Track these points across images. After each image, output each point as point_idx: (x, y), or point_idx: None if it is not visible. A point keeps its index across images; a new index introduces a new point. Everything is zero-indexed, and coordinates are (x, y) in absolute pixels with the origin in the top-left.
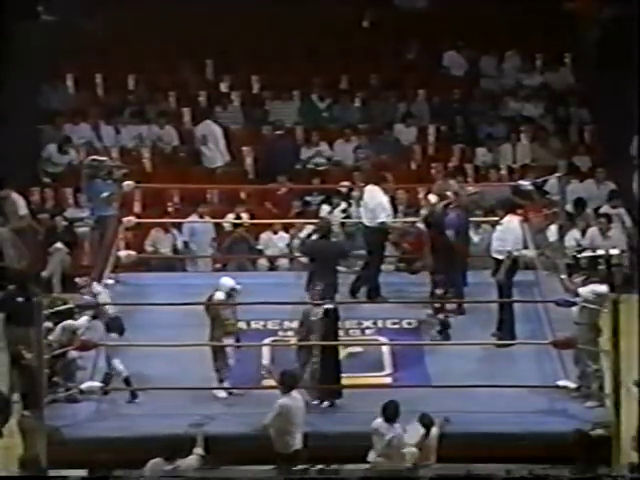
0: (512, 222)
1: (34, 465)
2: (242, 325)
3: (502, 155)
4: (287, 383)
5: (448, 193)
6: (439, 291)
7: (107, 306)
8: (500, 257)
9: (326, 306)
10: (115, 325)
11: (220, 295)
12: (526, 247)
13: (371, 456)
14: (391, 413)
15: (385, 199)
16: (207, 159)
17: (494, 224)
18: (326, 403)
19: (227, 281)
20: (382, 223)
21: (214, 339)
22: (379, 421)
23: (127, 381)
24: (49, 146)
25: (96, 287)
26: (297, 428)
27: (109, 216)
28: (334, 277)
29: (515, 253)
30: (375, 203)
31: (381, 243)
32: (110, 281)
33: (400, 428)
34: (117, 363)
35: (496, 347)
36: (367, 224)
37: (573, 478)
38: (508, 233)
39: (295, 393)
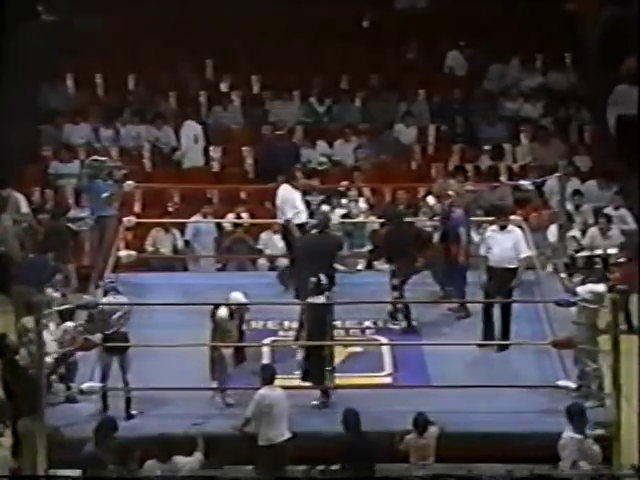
0: (515, 230)
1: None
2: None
3: (505, 155)
4: (265, 376)
5: (450, 192)
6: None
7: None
8: (510, 266)
9: (313, 300)
10: (110, 287)
11: (224, 312)
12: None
13: (561, 464)
14: (576, 418)
15: (294, 197)
16: (191, 159)
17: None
18: (314, 402)
19: (236, 296)
20: (287, 221)
21: (214, 348)
22: (567, 431)
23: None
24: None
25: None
26: (279, 419)
27: (109, 216)
28: (330, 270)
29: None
30: (280, 201)
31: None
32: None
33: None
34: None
35: (497, 349)
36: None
37: (573, 478)
38: (517, 242)
39: (276, 385)
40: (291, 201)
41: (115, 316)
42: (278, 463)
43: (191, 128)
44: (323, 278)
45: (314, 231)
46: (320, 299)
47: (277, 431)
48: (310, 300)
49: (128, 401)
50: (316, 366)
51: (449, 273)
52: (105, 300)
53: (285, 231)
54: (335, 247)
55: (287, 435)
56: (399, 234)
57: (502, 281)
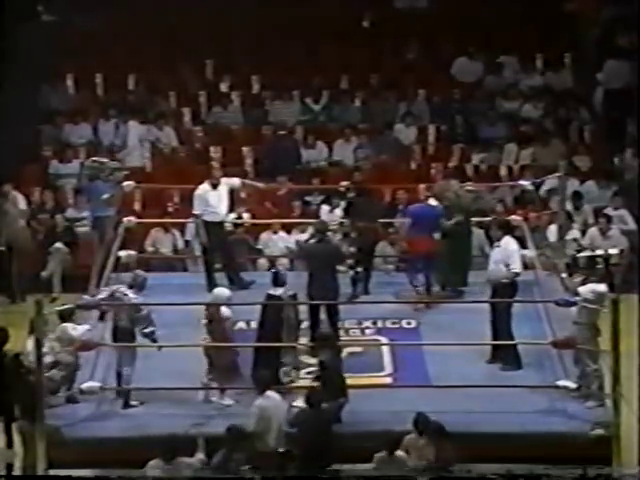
0: (510, 244)
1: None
2: (242, 325)
3: (505, 155)
4: (260, 384)
5: (421, 186)
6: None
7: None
8: (503, 281)
9: (270, 292)
10: (138, 282)
11: (226, 311)
12: (526, 247)
13: None
14: None
15: (207, 194)
16: (135, 159)
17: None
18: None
19: (222, 292)
20: (195, 217)
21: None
22: None
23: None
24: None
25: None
26: (277, 426)
27: (108, 217)
28: (333, 280)
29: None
30: (194, 197)
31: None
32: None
33: None
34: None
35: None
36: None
37: (575, 478)
38: (510, 256)
39: (271, 392)
40: (203, 198)
41: (142, 314)
42: (281, 466)
43: (139, 128)
44: (282, 270)
45: (313, 240)
46: (278, 291)
47: (275, 437)
48: (269, 292)
49: (128, 392)
50: (265, 365)
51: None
52: (128, 294)
53: (197, 228)
54: (336, 257)
55: (283, 441)
56: (364, 205)
57: (497, 296)
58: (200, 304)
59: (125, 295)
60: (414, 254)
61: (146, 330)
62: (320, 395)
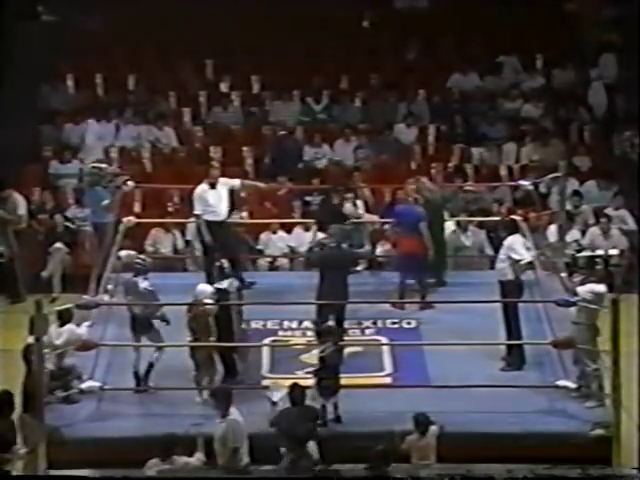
0: (516, 241)
1: (34, 464)
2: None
3: (505, 155)
4: (222, 404)
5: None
6: None
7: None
8: (504, 279)
9: (216, 285)
10: (142, 267)
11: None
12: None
13: None
14: None
15: (206, 194)
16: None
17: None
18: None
19: (205, 287)
20: (195, 216)
21: (202, 349)
22: None
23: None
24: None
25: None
26: (242, 444)
27: (107, 224)
28: (344, 284)
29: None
30: (194, 197)
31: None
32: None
33: None
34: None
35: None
36: None
37: (575, 478)
38: (516, 251)
39: (233, 409)
40: (203, 198)
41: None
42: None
43: (93, 127)
44: (226, 263)
45: (317, 246)
46: (223, 284)
47: (242, 455)
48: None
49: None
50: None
51: (412, 266)
52: (139, 282)
53: (198, 228)
54: (348, 262)
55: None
56: (329, 206)
57: (504, 295)
58: (199, 304)
59: (136, 284)
60: (399, 254)
61: (158, 314)
62: (303, 393)
